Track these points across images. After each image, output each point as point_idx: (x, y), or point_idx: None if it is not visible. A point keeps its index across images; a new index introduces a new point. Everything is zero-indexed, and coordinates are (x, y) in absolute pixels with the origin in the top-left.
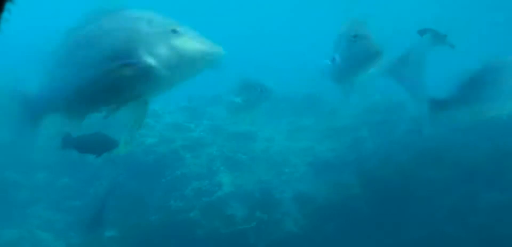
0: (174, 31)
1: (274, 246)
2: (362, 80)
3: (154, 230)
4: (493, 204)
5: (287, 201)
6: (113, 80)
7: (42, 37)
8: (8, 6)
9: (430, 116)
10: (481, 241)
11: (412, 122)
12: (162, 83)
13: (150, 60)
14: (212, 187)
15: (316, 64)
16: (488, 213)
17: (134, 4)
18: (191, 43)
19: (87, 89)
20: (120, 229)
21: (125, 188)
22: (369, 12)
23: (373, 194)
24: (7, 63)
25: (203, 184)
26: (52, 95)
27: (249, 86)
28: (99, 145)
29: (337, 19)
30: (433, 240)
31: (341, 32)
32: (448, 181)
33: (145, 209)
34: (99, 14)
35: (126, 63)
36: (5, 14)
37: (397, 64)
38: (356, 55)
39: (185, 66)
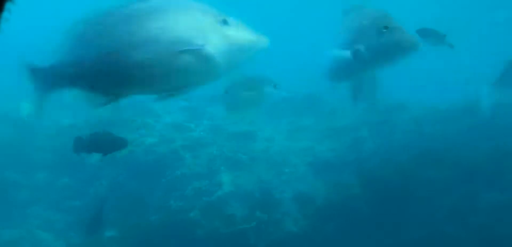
0: (225, 22)
1: (274, 246)
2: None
3: (154, 230)
4: (493, 204)
5: (287, 201)
6: (170, 66)
7: (41, 37)
8: (8, 6)
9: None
10: (481, 241)
11: (412, 122)
12: (213, 72)
13: (209, 48)
14: (212, 187)
15: (320, 59)
16: (488, 213)
17: None
18: (241, 33)
19: (135, 70)
20: (120, 229)
21: (125, 188)
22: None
23: (373, 194)
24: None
25: (203, 184)
26: (79, 69)
27: (262, 81)
28: (107, 144)
29: (336, 19)
30: (433, 240)
31: (361, 24)
32: (448, 181)
33: (145, 209)
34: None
35: (186, 49)
36: (5, 14)
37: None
38: (387, 47)
39: (236, 55)
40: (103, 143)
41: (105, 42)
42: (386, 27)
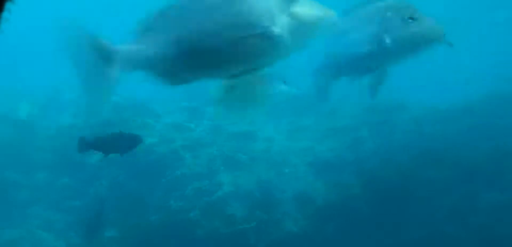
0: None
1: (274, 246)
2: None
3: (154, 230)
4: (493, 204)
5: (287, 201)
6: (240, 49)
7: (42, 37)
8: (8, 6)
9: None
10: (481, 241)
11: (412, 122)
12: (284, 51)
13: (277, 29)
14: (212, 187)
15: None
16: (488, 213)
17: None
18: (308, 9)
19: (207, 54)
20: (120, 229)
21: (125, 188)
22: None
23: (373, 194)
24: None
25: (203, 184)
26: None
27: (271, 77)
28: (124, 143)
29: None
30: (433, 240)
31: (384, 15)
32: (448, 181)
33: (145, 209)
34: None
35: (255, 33)
36: (5, 14)
37: None
38: (414, 37)
39: (305, 32)
40: (120, 142)
41: (187, 26)
42: (411, 18)
